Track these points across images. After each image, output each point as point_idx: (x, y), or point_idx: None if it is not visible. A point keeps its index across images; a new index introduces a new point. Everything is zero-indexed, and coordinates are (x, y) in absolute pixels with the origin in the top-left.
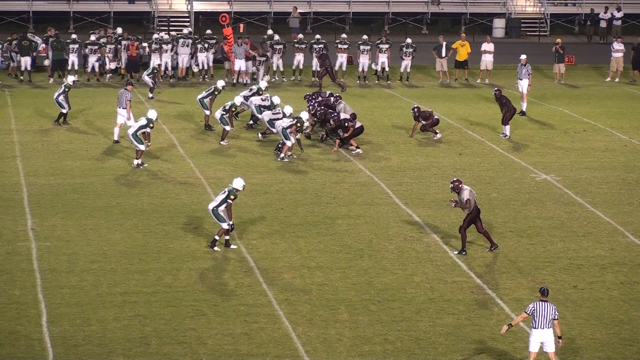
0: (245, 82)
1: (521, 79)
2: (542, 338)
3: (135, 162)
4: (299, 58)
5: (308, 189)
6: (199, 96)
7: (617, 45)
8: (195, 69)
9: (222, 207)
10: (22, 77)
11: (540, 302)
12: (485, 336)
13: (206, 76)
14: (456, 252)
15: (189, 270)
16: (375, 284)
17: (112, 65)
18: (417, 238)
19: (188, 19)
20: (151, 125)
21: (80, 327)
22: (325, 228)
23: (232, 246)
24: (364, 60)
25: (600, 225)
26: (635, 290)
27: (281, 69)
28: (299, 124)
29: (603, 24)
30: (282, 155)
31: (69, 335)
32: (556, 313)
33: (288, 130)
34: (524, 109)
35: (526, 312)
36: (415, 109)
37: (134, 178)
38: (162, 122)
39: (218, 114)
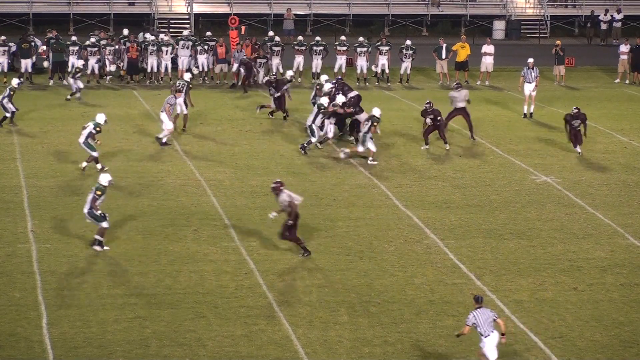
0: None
1: (529, 82)
2: (492, 344)
3: (84, 164)
4: (299, 60)
5: (308, 190)
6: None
7: (624, 47)
8: (195, 71)
9: (97, 204)
10: (22, 79)
11: (479, 310)
12: None
13: (206, 78)
14: (300, 256)
15: (189, 272)
16: (375, 285)
17: (112, 67)
18: (417, 240)
19: (188, 21)
20: (98, 129)
21: (80, 329)
22: (325, 230)
23: (105, 247)
24: (362, 63)
25: (600, 227)
26: (635, 292)
27: (281, 70)
28: (375, 122)
29: (603, 26)
30: (343, 154)
31: (69, 337)
32: (495, 313)
33: (368, 135)
34: (532, 111)
35: (468, 325)
36: (428, 105)
37: (134, 180)
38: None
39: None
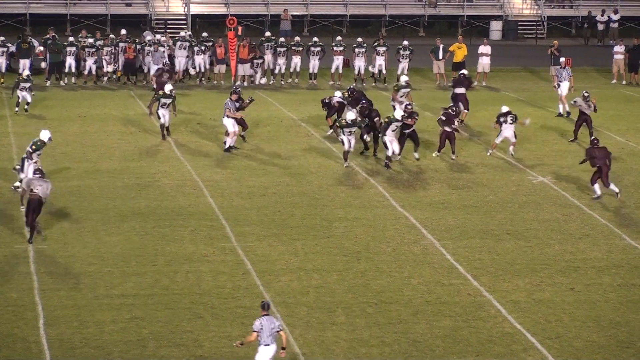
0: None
1: (562, 82)
2: (268, 355)
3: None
4: (296, 61)
5: (305, 191)
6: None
7: (618, 48)
8: (192, 72)
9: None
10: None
11: (265, 317)
12: (483, 339)
13: (203, 78)
14: None
15: (186, 273)
16: (372, 286)
17: (110, 68)
18: (414, 240)
19: (185, 22)
20: (35, 148)
21: (77, 329)
22: (322, 231)
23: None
24: (359, 63)
25: (597, 227)
26: (632, 293)
27: (282, 71)
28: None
29: (600, 27)
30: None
31: (66, 337)
32: (279, 325)
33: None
34: (568, 110)
35: (254, 330)
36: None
37: (131, 181)
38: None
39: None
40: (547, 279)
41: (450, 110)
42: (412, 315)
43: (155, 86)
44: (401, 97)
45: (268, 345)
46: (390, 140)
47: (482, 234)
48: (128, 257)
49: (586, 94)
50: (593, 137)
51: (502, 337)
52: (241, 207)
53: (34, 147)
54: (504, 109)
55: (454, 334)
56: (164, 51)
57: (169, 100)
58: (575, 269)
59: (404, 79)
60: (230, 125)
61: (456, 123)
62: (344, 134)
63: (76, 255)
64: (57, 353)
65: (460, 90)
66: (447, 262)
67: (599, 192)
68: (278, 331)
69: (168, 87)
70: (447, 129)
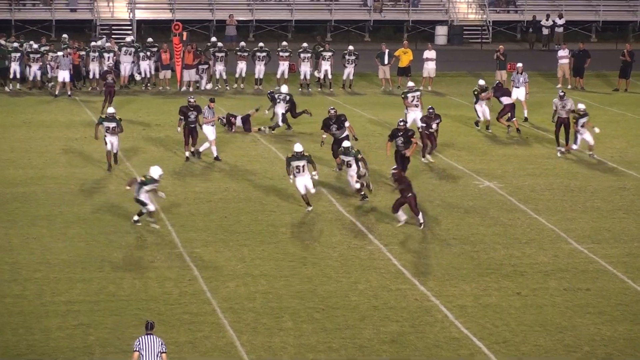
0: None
1: (517, 87)
2: None
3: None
4: (242, 66)
5: (251, 197)
6: None
7: (562, 52)
8: (138, 77)
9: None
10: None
11: (146, 336)
12: (430, 343)
13: (149, 84)
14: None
15: (132, 279)
16: (319, 291)
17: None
18: (361, 246)
19: (130, 27)
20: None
21: (24, 336)
22: (269, 236)
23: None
24: (305, 68)
25: (543, 232)
26: (578, 297)
27: (224, 76)
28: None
29: (545, 31)
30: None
31: (11, 344)
32: (163, 346)
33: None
34: (526, 116)
35: (135, 350)
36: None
37: (77, 187)
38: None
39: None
40: (494, 283)
41: (428, 114)
42: (359, 320)
43: (103, 88)
44: (412, 101)
45: None
46: (351, 176)
47: (428, 239)
48: (74, 264)
49: (562, 93)
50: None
51: (449, 342)
52: (187, 213)
53: (143, 179)
54: (581, 106)
55: (401, 339)
56: (108, 57)
57: (112, 124)
58: (521, 273)
59: (410, 83)
60: (210, 133)
61: (434, 126)
62: (294, 174)
63: (22, 262)
64: None
65: (508, 100)
66: (393, 267)
67: (402, 218)
68: (161, 352)
69: (110, 110)
70: (426, 132)
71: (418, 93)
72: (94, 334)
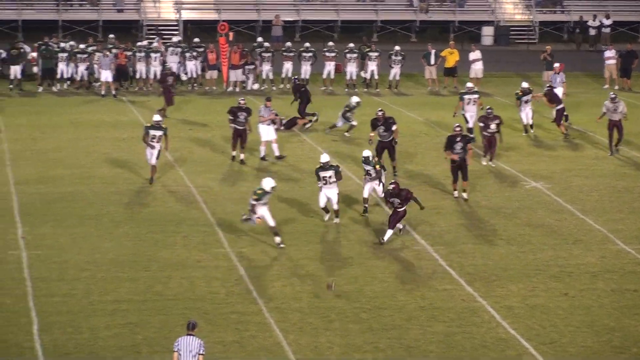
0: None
1: (555, 87)
2: None
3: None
4: (288, 66)
5: (298, 196)
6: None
7: (609, 53)
8: (184, 77)
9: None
10: (11, 86)
11: (187, 337)
12: (476, 344)
13: (195, 84)
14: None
15: (179, 279)
16: (366, 291)
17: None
18: (407, 246)
19: (177, 28)
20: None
21: (72, 335)
22: (315, 236)
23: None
24: (351, 69)
25: (590, 232)
26: (626, 298)
27: (270, 77)
28: None
29: (592, 32)
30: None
31: (60, 343)
32: (202, 348)
33: None
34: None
35: (175, 350)
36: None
37: (124, 187)
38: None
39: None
40: (541, 284)
41: (486, 114)
42: (405, 320)
43: (161, 90)
44: (468, 103)
45: None
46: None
47: (475, 240)
48: (121, 263)
49: (613, 96)
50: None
51: (496, 342)
52: (234, 213)
53: (255, 197)
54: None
55: (448, 340)
56: (155, 57)
57: (158, 133)
58: (568, 274)
59: (468, 84)
60: (264, 132)
61: (493, 126)
62: (320, 183)
63: (70, 261)
64: (51, 359)
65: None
66: (440, 268)
67: (387, 236)
68: (198, 354)
69: (156, 117)
70: (485, 133)
71: (476, 96)
72: (141, 333)
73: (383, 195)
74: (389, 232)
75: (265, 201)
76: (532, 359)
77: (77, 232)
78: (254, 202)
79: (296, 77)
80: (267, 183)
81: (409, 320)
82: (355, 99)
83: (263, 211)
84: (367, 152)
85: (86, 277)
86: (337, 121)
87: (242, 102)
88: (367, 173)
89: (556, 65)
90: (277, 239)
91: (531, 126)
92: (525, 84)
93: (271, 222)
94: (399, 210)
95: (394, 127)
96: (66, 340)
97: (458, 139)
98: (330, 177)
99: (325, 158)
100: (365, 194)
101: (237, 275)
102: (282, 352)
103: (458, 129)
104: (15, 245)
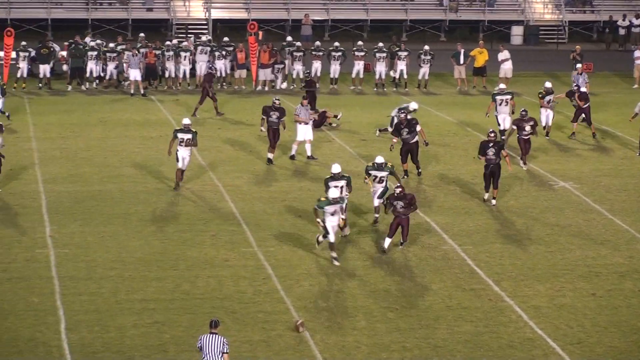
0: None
1: (579, 87)
2: None
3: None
4: (317, 65)
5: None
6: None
7: (639, 53)
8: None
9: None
10: (40, 85)
11: (210, 335)
12: (504, 344)
13: (224, 83)
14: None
15: (206, 278)
16: (393, 291)
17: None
18: (435, 246)
19: (206, 27)
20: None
21: (99, 334)
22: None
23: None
24: (380, 68)
25: (618, 232)
26: None
27: (301, 75)
28: None
29: (621, 31)
30: None
31: (87, 342)
32: (225, 346)
33: None
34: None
35: (197, 346)
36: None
37: (152, 186)
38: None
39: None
40: (568, 284)
41: (520, 117)
42: (433, 320)
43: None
44: (500, 104)
45: None
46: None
47: (503, 239)
48: (149, 262)
49: None
50: None
51: (523, 342)
52: (262, 212)
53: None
54: None
55: (475, 339)
56: (185, 57)
57: (187, 136)
58: (596, 274)
59: (501, 85)
60: (301, 132)
61: (527, 128)
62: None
63: (97, 260)
64: (78, 357)
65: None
66: (468, 267)
67: (385, 246)
68: (223, 353)
69: (185, 121)
70: (521, 137)
71: (509, 96)
72: (168, 332)
73: (380, 199)
74: (388, 240)
75: (332, 210)
76: (559, 359)
77: (105, 231)
78: (317, 207)
79: (308, 71)
80: (333, 192)
81: (437, 320)
82: (414, 105)
83: (329, 222)
84: (380, 159)
85: (114, 276)
86: (389, 125)
87: (276, 101)
88: (379, 180)
89: (579, 65)
90: (333, 254)
91: (548, 131)
92: (548, 84)
93: (332, 238)
94: (402, 216)
95: (418, 128)
96: (93, 339)
97: (491, 144)
98: (342, 187)
99: (336, 169)
100: (376, 203)
101: (264, 275)
102: (309, 352)
103: (492, 135)
104: (43, 243)
